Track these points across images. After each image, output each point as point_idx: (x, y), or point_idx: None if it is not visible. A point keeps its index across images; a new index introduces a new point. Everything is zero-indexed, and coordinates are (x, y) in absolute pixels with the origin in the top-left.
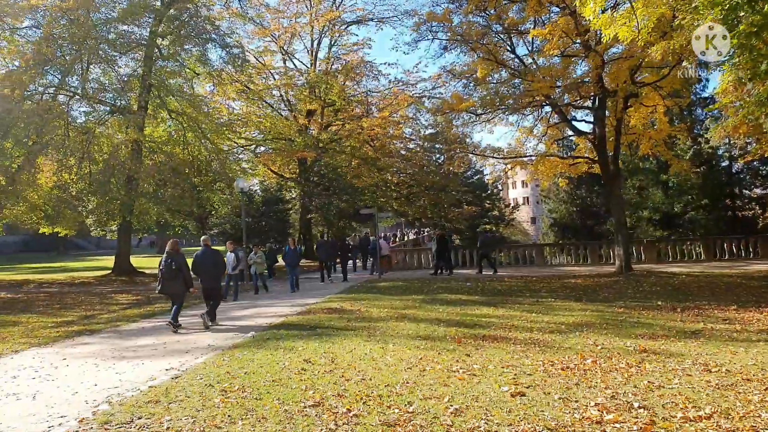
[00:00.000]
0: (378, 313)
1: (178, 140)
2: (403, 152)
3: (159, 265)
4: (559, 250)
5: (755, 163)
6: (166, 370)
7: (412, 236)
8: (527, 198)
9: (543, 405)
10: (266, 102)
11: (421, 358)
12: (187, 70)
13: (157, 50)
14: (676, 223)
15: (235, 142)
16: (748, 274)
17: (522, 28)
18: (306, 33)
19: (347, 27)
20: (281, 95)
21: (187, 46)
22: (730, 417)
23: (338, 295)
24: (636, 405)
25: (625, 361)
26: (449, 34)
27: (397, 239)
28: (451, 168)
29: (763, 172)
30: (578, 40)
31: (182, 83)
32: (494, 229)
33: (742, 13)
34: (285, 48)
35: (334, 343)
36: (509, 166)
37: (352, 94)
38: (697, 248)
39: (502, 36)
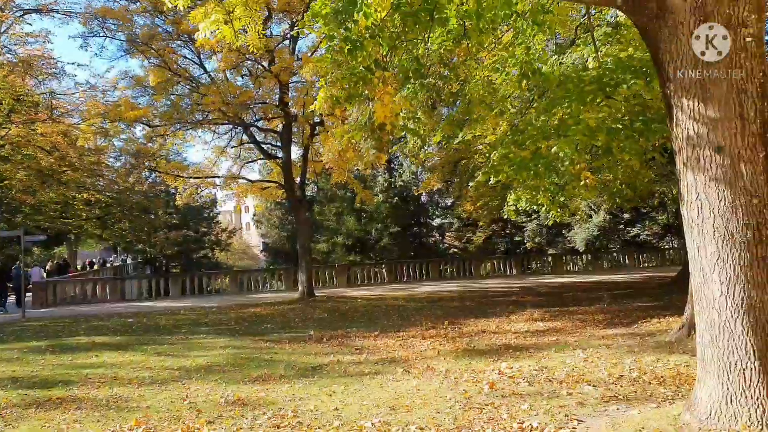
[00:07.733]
0: None
1: None
2: (100, 167)
3: None
4: (270, 275)
5: (436, 196)
6: None
7: (119, 263)
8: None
9: None
10: None
11: None
12: None
13: None
14: (372, 248)
15: None
16: (414, 296)
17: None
18: None
19: (23, 15)
20: None
21: None
22: None
23: None
24: None
25: (189, 424)
26: (128, 34)
27: (94, 266)
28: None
29: (442, 204)
30: (252, 57)
31: None
32: (210, 254)
33: (340, 29)
34: None
35: None
36: (199, 187)
37: (24, 93)
38: (382, 272)
39: (189, 45)
